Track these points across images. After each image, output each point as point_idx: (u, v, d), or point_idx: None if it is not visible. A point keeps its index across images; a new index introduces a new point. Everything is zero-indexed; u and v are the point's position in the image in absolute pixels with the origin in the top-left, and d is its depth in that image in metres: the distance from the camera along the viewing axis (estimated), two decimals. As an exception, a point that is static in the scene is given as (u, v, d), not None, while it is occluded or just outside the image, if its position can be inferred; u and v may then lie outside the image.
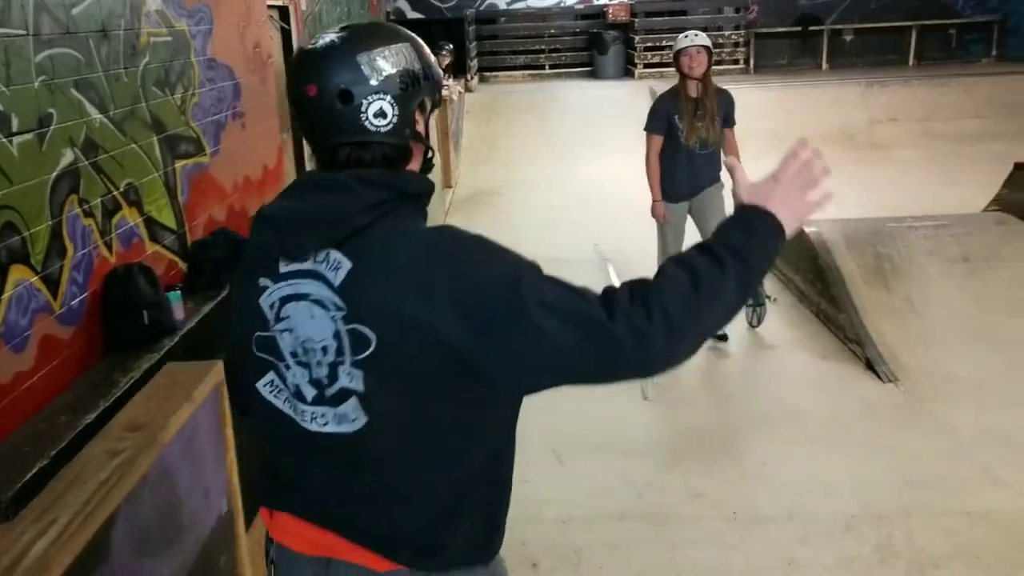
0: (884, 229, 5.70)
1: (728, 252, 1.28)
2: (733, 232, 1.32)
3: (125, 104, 5.26)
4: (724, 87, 4.99)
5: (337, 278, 1.28)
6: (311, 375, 1.32)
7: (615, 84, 13.28)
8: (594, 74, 14.27)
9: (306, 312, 1.30)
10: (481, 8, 14.99)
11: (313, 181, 1.37)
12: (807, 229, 5.34)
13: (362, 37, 1.35)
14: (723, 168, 3.88)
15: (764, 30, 14.05)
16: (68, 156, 4.87)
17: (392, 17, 14.76)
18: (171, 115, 6.06)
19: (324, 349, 1.29)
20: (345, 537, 1.36)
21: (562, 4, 14.96)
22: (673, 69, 4.97)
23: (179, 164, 6.22)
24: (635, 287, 1.24)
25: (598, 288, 1.27)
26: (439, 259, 1.25)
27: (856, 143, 10.37)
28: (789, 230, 1.34)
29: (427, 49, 1.40)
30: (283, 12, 9.12)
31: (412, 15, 15.06)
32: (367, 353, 1.25)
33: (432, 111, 1.41)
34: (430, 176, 1.44)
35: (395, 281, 1.24)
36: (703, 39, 4.72)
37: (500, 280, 1.23)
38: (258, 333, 1.37)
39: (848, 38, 14.15)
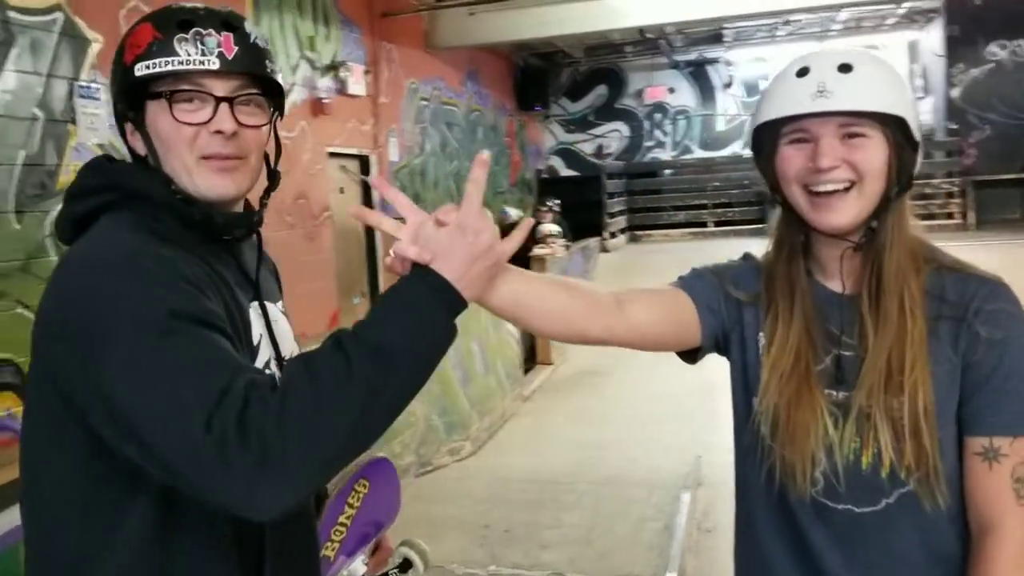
0: None
1: (363, 347, 1.00)
2: (380, 311, 1.05)
3: (9, 257, 4.09)
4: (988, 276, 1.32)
5: None
6: None
7: (791, 243, 11.14)
8: (766, 232, 12.19)
9: None
10: (644, 160, 13.61)
11: None
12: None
13: None
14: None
15: (985, 177, 11.37)
16: None
17: (545, 175, 13.70)
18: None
19: None
20: None
21: (732, 153, 13.21)
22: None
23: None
24: (261, 391, 0.97)
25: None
26: (66, 270, 1.12)
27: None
28: (469, 291, 1.09)
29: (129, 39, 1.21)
30: (364, 162, 8.11)
31: (565, 172, 13.93)
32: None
33: (129, 114, 1.21)
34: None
35: (47, 288, 1.12)
36: (856, 83, 1.25)
37: (107, 310, 1.03)
38: None
39: (1104, 185, 11.16)
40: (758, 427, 1.34)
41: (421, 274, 1.05)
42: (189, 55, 1.15)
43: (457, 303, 1.06)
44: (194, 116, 1.17)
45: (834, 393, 1.31)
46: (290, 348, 1.31)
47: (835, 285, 1.35)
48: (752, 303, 1.40)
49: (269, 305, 1.29)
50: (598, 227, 11.63)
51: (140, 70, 1.16)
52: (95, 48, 4.54)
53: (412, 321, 1.02)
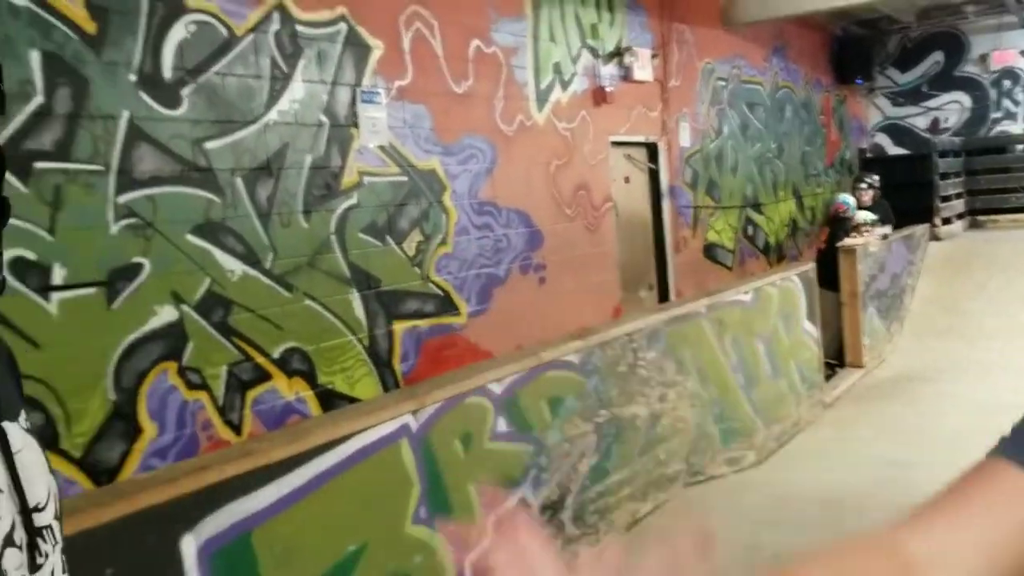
0: None
1: None
2: None
3: (298, 253, 4.41)
4: None
5: None
6: None
7: None
8: None
9: None
10: (989, 134, 11.79)
11: None
12: None
13: None
14: None
15: None
16: (165, 315, 4.17)
17: (869, 154, 12.41)
18: (396, 267, 5.09)
19: None
20: None
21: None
22: None
23: (401, 326, 5.17)
24: None
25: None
26: None
27: None
28: None
29: None
30: (652, 150, 7.80)
31: (894, 150, 12.48)
32: None
33: None
34: None
35: None
36: None
37: None
38: None
39: None
40: None
41: None
42: None
43: None
44: None
45: None
46: (43, 485, 0.83)
47: None
48: None
49: (9, 429, 0.80)
50: (929, 212, 10.25)
51: None
52: (376, 55, 4.76)
53: None
